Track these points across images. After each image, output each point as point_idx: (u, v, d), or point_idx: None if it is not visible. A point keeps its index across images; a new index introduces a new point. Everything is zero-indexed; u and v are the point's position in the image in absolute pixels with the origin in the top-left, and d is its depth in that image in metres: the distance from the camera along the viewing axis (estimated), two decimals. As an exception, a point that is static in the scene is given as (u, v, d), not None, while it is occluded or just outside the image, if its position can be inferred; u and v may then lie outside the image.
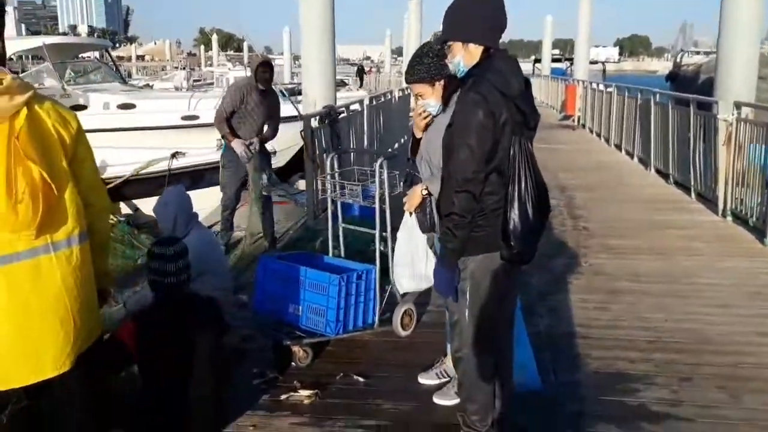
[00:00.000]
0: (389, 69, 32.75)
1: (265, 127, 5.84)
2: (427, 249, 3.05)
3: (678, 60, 17.98)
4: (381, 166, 3.62)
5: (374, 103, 9.81)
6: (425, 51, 2.75)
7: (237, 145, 5.61)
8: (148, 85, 19.70)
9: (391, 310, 3.78)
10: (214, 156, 6.65)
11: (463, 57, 2.46)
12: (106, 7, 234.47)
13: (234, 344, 3.49)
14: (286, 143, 10.69)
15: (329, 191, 3.89)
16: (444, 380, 3.22)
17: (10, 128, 1.84)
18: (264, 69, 5.68)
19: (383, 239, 3.76)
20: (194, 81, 18.13)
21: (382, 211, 3.69)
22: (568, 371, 3.38)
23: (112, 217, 4.59)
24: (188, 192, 3.86)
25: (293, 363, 3.44)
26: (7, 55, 2.08)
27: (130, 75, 19.15)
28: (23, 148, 1.80)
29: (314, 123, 6.53)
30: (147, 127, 9.15)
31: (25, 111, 1.86)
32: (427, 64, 2.74)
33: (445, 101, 2.82)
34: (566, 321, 4.03)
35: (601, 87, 13.75)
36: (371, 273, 3.61)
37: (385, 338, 3.73)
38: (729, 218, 6.52)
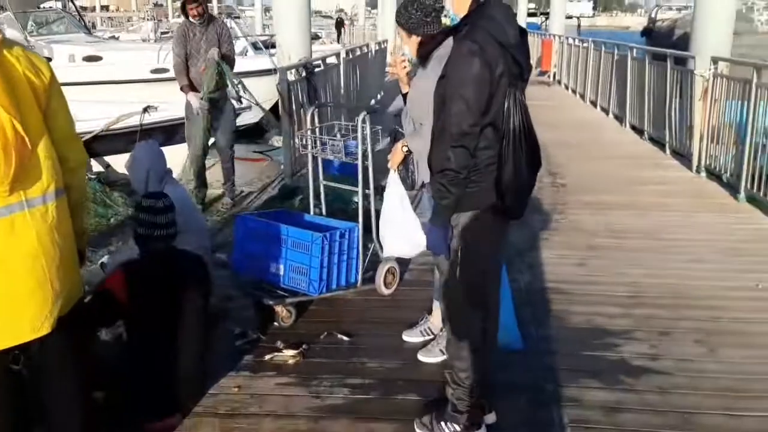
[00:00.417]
0: (363, 22, 32.00)
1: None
2: (413, 214, 3.00)
3: (653, 15, 17.92)
4: (363, 121, 3.53)
5: (350, 56, 9.58)
6: (417, 1, 2.66)
7: (192, 99, 5.58)
8: (113, 37, 18.94)
9: (374, 268, 3.76)
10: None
11: (453, 3, 2.37)
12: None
13: (214, 304, 3.44)
14: (260, 97, 10.46)
15: (309, 147, 3.79)
16: (428, 338, 3.22)
17: None
18: (191, 5, 5.56)
19: (366, 197, 3.70)
20: (162, 33, 17.47)
21: (365, 168, 3.61)
22: (548, 327, 3.41)
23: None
24: (162, 148, 3.73)
25: (276, 323, 3.41)
26: None
27: (94, 26, 18.34)
28: None
29: (290, 76, 6.34)
30: (115, 81, 8.83)
31: None
32: (410, 13, 2.66)
33: (422, 58, 2.76)
34: (546, 277, 4.06)
35: (578, 42, 13.64)
36: (354, 231, 3.56)
37: (368, 297, 3.71)
38: (703, 174, 6.60)
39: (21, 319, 1.82)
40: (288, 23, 7.41)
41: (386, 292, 3.76)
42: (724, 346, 3.20)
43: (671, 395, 2.79)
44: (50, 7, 13.80)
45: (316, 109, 3.98)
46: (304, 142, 3.80)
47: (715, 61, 6.58)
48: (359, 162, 3.58)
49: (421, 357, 3.08)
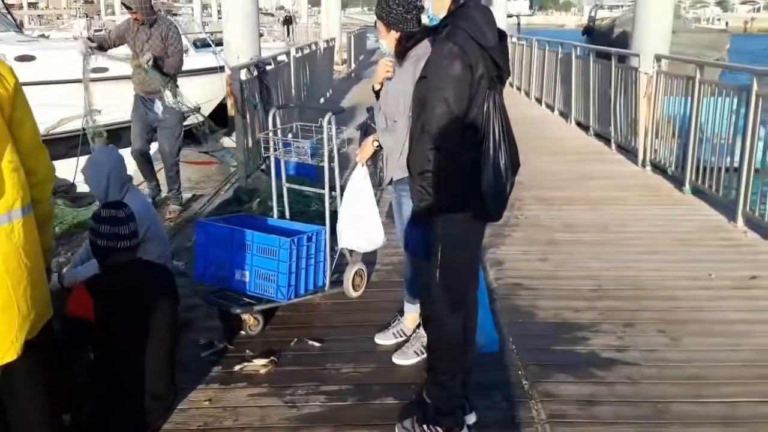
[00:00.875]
0: (306, 20, 31.70)
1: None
2: (375, 210, 2.98)
3: (593, 14, 18.54)
4: (329, 122, 3.47)
5: (300, 54, 9.45)
6: None
7: (79, 42, 5.46)
8: (43, 36, 18.05)
9: (341, 271, 3.70)
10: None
11: (432, 4, 2.34)
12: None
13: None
14: (205, 97, 10.17)
15: (272, 149, 3.69)
16: (401, 339, 3.20)
17: None
18: (130, 12, 5.39)
19: (332, 198, 3.64)
20: (95, 30, 16.78)
21: (331, 169, 3.55)
22: (517, 322, 3.45)
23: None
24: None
25: (243, 331, 3.31)
26: None
27: (21, 24, 17.41)
28: None
29: (242, 76, 6.19)
30: (51, 81, 8.38)
31: None
32: (391, 8, 2.64)
33: (400, 54, 2.75)
34: (511, 273, 4.11)
35: (522, 41, 13.91)
36: (321, 234, 3.49)
37: (336, 300, 3.66)
38: (648, 168, 6.84)
39: None
40: (236, 22, 7.26)
41: (354, 294, 3.71)
42: (685, 335, 3.31)
43: (641, 386, 2.86)
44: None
45: (277, 110, 3.87)
46: (266, 144, 3.69)
47: (658, 58, 6.82)
48: (326, 163, 3.52)
49: (396, 359, 3.05)
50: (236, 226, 3.48)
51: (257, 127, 6.33)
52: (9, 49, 9.51)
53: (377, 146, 2.83)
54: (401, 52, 2.74)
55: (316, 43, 12.02)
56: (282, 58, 8.32)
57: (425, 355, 2.90)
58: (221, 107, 9.60)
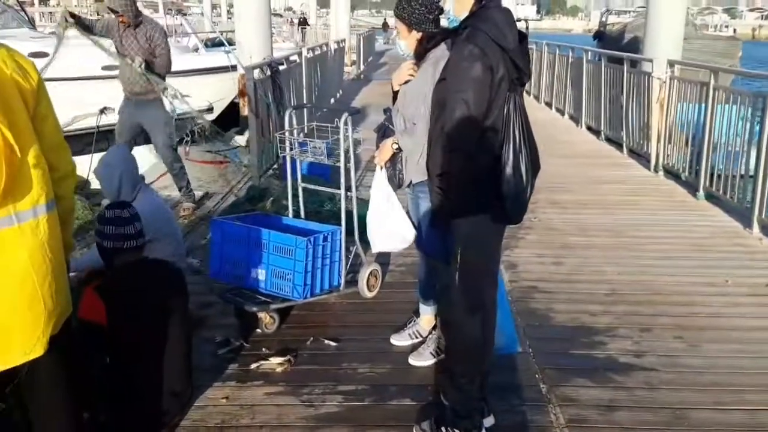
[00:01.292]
0: (315, 21, 31.73)
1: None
2: (401, 208, 2.96)
3: (604, 19, 18.51)
4: (345, 123, 3.46)
5: (311, 55, 9.46)
6: None
7: (60, 12, 5.47)
8: (54, 32, 18.12)
9: (356, 271, 3.69)
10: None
11: (453, 5, 2.34)
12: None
13: (191, 311, 3.30)
14: (218, 95, 10.20)
15: (288, 149, 3.69)
16: (417, 341, 3.18)
17: None
18: (117, 16, 5.39)
19: (347, 198, 3.64)
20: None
21: (347, 170, 3.55)
22: (534, 326, 3.43)
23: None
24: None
25: (258, 330, 3.30)
26: None
27: (33, 21, 17.49)
28: None
29: (255, 75, 6.19)
30: (65, 78, 8.39)
31: None
32: (413, 8, 2.62)
33: (420, 55, 2.73)
34: (525, 276, 4.09)
35: (532, 45, 13.88)
36: (337, 234, 3.48)
37: (351, 300, 3.65)
38: (661, 173, 6.81)
39: (10, 342, 1.67)
40: (248, 23, 7.28)
41: (369, 294, 3.70)
42: (703, 341, 3.28)
43: (660, 391, 2.84)
44: (-18, 1, 13.06)
45: (294, 110, 3.87)
46: (282, 143, 3.69)
47: (671, 64, 6.79)
48: (341, 164, 3.51)
49: (413, 361, 3.04)
50: (252, 224, 3.48)
51: (270, 126, 6.33)
52: (22, 46, 9.48)
53: (396, 148, 2.81)
54: (421, 54, 2.72)
55: (327, 44, 12.03)
56: (294, 58, 8.33)
57: (441, 357, 2.90)
58: (232, 105, 9.63)
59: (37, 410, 1.83)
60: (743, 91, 5.70)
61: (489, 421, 2.56)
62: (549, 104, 11.73)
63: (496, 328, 2.66)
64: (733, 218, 5.27)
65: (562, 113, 10.78)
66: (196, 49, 12.92)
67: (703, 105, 5.93)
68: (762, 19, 78.35)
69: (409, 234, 2.94)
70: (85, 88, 8.48)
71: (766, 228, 4.90)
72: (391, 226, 2.94)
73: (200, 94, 10.29)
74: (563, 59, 10.99)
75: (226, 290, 3.45)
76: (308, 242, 3.26)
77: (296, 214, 3.88)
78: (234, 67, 8.58)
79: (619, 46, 12.45)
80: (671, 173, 6.68)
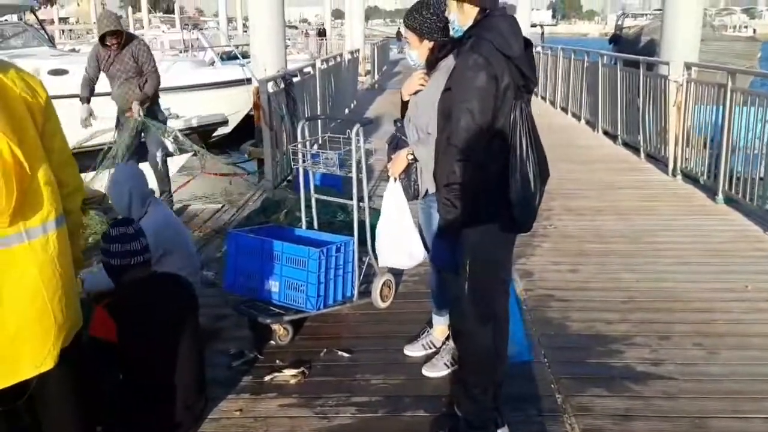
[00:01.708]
0: (330, 32, 31.98)
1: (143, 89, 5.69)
2: (413, 226, 2.95)
3: (620, 23, 18.38)
4: (357, 133, 3.47)
5: (325, 66, 9.52)
6: (430, 3, 2.63)
7: (81, 110, 5.68)
8: (74, 50, 18.50)
9: (369, 281, 3.69)
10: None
11: (457, 16, 2.34)
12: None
13: (205, 324, 3.33)
14: (233, 108, 10.33)
15: (300, 160, 3.71)
16: (431, 351, 3.17)
17: None
18: (111, 38, 5.50)
19: (359, 209, 3.64)
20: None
21: (359, 180, 3.56)
22: (550, 335, 3.39)
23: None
24: (140, 165, 3.64)
25: (272, 341, 3.31)
26: None
27: (53, 39, 17.88)
28: None
29: (269, 88, 6.25)
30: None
31: None
32: (424, 17, 2.62)
33: (431, 65, 2.73)
34: (541, 284, 4.06)
35: (547, 50, 13.84)
36: (350, 245, 3.49)
37: (365, 311, 3.65)
38: (679, 177, 6.72)
39: (21, 355, 1.70)
40: (263, 35, 7.35)
41: (383, 305, 3.69)
42: (723, 348, 3.22)
43: (679, 400, 2.79)
44: (5, 20, 13.38)
45: (307, 122, 3.90)
46: (295, 155, 3.71)
47: (688, 66, 6.72)
48: (353, 174, 3.52)
49: (426, 372, 3.02)
50: (266, 236, 3.50)
51: (284, 138, 6.38)
52: (43, 64, 9.77)
53: (411, 159, 2.80)
54: (432, 62, 2.73)
55: (340, 55, 12.10)
56: (308, 69, 8.39)
57: (455, 367, 2.89)
58: (248, 118, 9.72)
59: (50, 424, 1.86)
60: (762, 93, 5.63)
61: (503, 431, 2.54)
62: (565, 109, 11.66)
63: (509, 337, 2.65)
64: (753, 222, 5.18)
65: (579, 118, 10.71)
66: (212, 63, 13.12)
67: (721, 107, 5.86)
68: (782, 18, 77.16)
69: (417, 252, 2.93)
70: (105, 103, 8.62)
71: (788, 231, 4.81)
72: (400, 241, 2.94)
73: (216, 108, 10.44)
74: (579, 64, 10.92)
75: (240, 302, 3.47)
76: (321, 253, 3.27)
77: (309, 226, 3.89)
78: (249, 80, 8.68)
79: (635, 50, 12.35)
80: (689, 177, 6.59)
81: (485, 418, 2.45)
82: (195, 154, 6.51)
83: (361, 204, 3.63)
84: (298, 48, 25.32)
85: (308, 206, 3.89)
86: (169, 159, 6.05)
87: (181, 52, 15.47)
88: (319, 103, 8.56)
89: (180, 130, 6.64)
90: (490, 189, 2.25)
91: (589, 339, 3.34)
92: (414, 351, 3.20)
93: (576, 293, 3.91)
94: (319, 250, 3.26)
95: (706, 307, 3.68)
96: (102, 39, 5.53)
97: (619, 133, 8.67)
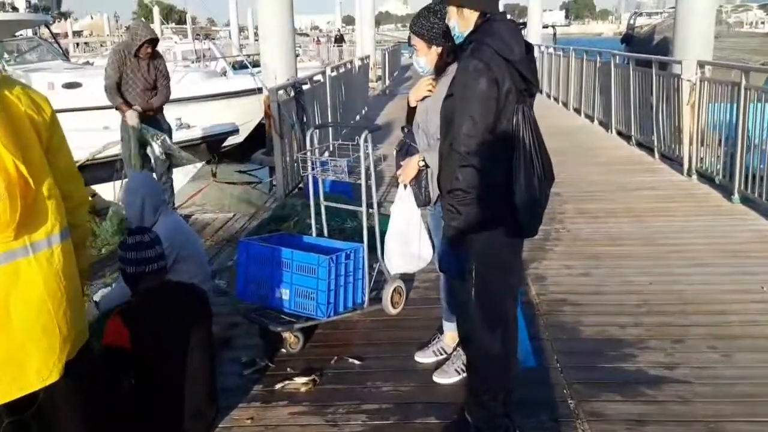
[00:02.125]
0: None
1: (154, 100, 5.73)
2: (422, 228, 2.95)
3: (632, 22, 18.21)
4: (366, 140, 3.48)
5: (335, 73, 9.56)
6: (437, 9, 2.63)
7: (131, 117, 5.51)
8: (88, 63, 18.77)
9: (379, 288, 3.69)
10: (175, 136, 6.39)
11: (458, 22, 2.34)
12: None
13: (217, 332, 3.34)
14: (245, 117, 10.40)
15: (310, 168, 3.72)
16: (441, 357, 3.16)
17: None
18: (148, 47, 5.55)
19: (369, 215, 3.65)
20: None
21: (368, 187, 3.56)
22: (562, 339, 3.36)
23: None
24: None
25: (283, 349, 3.32)
26: None
27: (67, 53, 18.17)
28: (1, 140, 1.60)
29: (279, 96, 6.29)
30: (97, 107, 8.68)
31: None
32: (432, 23, 2.62)
33: (440, 70, 2.72)
34: (554, 288, 4.02)
35: (559, 51, 13.78)
36: (359, 251, 3.49)
37: (375, 317, 3.64)
38: (694, 177, 6.65)
39: (26, 368, 1.72)
40: (273, 43, 7.39)
41: (393, 311, 3.69)
42: (738, 351, 3.17)
43: (693, 404, 2.75)
44: (21, 35, 13.62)
45: (315, 129, 3.91)
46: (304, 163, 3.73)
47: (701, 65, 6.65)
48: (362, 181, 3.53)
49: (437, 378, 3.01)
50: (276, 244, 3.52)
51: (295, 146, 6.41)
52: (57, 77, 9.95)
53: (423, 165, 2.79)
54: (441, 68, 2.71)
55: (351, 62, 12.14)
56: (318, 77, 8.43)
57: (466, 374, 2.87)
58: (259, 127, 9.79)
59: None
60: (776, 90, 5.54)
61: (516, 438, 2.52)
62: (578, 110, 11.58)
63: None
64: (771, 221, 5.11)
65: (592, 119, 10.63)
66: (224, 73, 13.24)
67: (735, 105, 5.78)
68: (799, 13, 76.04)
69: (426, 254, 2.92)
70: (116, 115, 8.74)
71: (806, 231, 4.73)
72: (409, 246, 2.93)
73: (227, 117, 10.53)
74: (591, 64, 10.85)
75: (252, 310, 3.48)
76: (330, 261, 3.28)
77: (320, 233, 3.90)
78: (260, 90, 8.74)
79: (648, 49, 12.28)
80: (705, 177, 6.51)
81: (496, 424, 2.44)
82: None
83: (370, 210, 3.63)
84: (309, 55, 25.47)
85: (318, 213, 3.90)
86: (179, 169, 6.09)
87: (193, 62, 15.63)
88: (329, 110, 8.59)
89: (191, 140, 6.71)
90: (494, 194, 2.24)
91: (602, 343, 3.31)
92: (425, 357, 3.19)
93: (589, 297, 3.88)
94: (329, 257, 3.27)
95: (721, 309, 3.62)
96: (139, 50, 5.58)
97: (632, 133, 8.60)
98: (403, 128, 2.95)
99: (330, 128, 7.27)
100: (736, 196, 5.69)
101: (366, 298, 3.54)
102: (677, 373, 3.00)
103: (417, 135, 2.80)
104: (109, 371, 2.39)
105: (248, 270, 3.52)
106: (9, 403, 1.74)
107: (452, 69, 2.61)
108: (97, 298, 3.75)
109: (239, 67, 15.39)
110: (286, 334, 3.29)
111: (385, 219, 4.18)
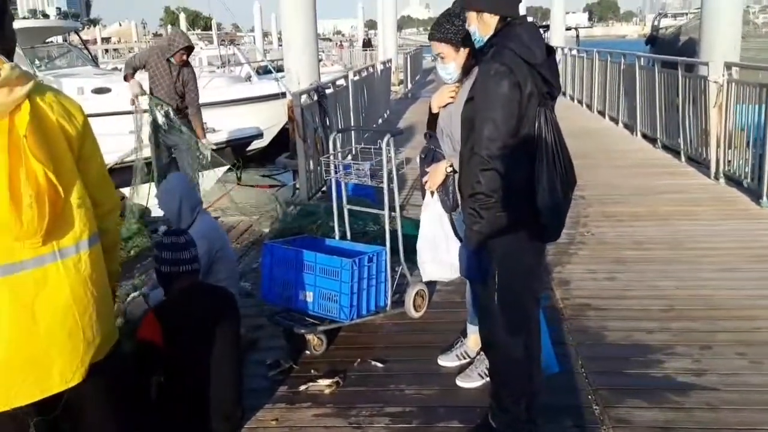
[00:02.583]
0: (361, 42, 32.25)
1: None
2: (451, 234, 2.93)
3: (656, 23, 17.97)
4: (388, 144, 3.50)
5: (357, 77, 9.61)
6: (458, 12, 2.60)
7: (132, 85, 5.81)
8: (116, 68, 19.11)
9: (402, 291, 3.70)
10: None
11: (478, 27, 2.34)
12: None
13: (243, 334, 3.38)
14: (269, 122, 10.51)
15: (332, 171, 3.75)
16: (465, 361, 3.15)
17: (10, 125, 1.64)
18: (184, 53, 5.74)
19: (391, 219, 3.66)
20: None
21: (390, 190, 3.57)
22: (587, 345, 3.34)
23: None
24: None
25: (307, 351, 3.34)
26: None
27: (96, 59, 18.52)
28: (31, 148, 1.63)
29: (303, 100, 6.34)
30: (126, 112, 8.84)
31: (27, 105, 1.66)
32: (457, 26, 2.60)
33: (466, 70, 2.70)
34: (578, 293, 3.99)
35: (582, 53, 13.66)
36: (382, 255, 3.50)
37: (398, 320, 3.65)
38: (722, 180, 6.54)
39: (50, 371, 1.73)
40: (296, 48, 7.44)
41: (416, 315, 3.69)
42: (766, 357, 3.12)
43: (721, 412, 2.71)
44: (52, 41, 13.92)
45: (339, 134, 3.95)
46: (327, 167, 3.76)
47: (728, 66, 6.54)
48: (385, 184, 3.55)
49: (460, 382, 3.01)
50: (300, 247, 3.55)
51: (318, 150, 6.46)
52: (87, 83, 10.15)
53: (450, 171, 2.77)
54: (468, 68, 2.69)
55: (373, 66, 12.19)
56: (341, 82, 8.48)
57: (489, 378, 2.86)
58: (283, 131, 9.88)
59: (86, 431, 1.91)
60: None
61: (539, 443, 2.51)
62: (602, 113, 11.47)
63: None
64: (801, 226, 5.00)
65: (616, 122, 10.53)
66: (249, 78, 13.37)
67: (764, 106, 5.68)
68: (831, 12, 74.24)
69: (458, 260, 2.91)
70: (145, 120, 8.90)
71: (838, 235, 4.62)
72: (441, 254, 2.93)
73: (252, 122, 10.64)
74: (615, 66, 10.74)
75: (276, 312, 3.52)
76: (353, 264, 3.30)
77: (343, 236, 3.93)
78: (284, 94, 8.81)
79: (673, 50, 12.11)
80: (733, 180, 6.40)
81: (518, 429, 2.43)
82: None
83: (393, 213, 3.64)
84: (332, 60, 25.60)
85: (341, 216, 3.93)
86: (204, 173, 6.17)
87: (218, 67, 15.82)
88: (352, 114, 8.63)
89: (217, 144, 6.80)
90: (516, 197, 2.24)
91: (628, 349, 3.28)
92: (448, 361, 3.19)
93: (614, 302, 3.84)
94: (352, 260, 3.29)
95: (749, 315, 3.56)
96: (175, 54, 5.74)
97: (658, 136, 8.49)
98: (426, 134, 2.94)
99: (352, 132, 7.29)
100: (765, 199, 5.59)
101: (389, 301, 3.55)
102: (705, 380, 2.96)
103: (441, 140, 2.79)
104: (140, 366, 2.44)
105: (272, 272, 3.56)
106: (37, 404, 1.77)
107: (474, 72, 2.61)
108: (145, 290, 3.79)
109: (263, 72, 15.51)
110: (309, 336, 3.32)
111: (407, 222, 4.21)
